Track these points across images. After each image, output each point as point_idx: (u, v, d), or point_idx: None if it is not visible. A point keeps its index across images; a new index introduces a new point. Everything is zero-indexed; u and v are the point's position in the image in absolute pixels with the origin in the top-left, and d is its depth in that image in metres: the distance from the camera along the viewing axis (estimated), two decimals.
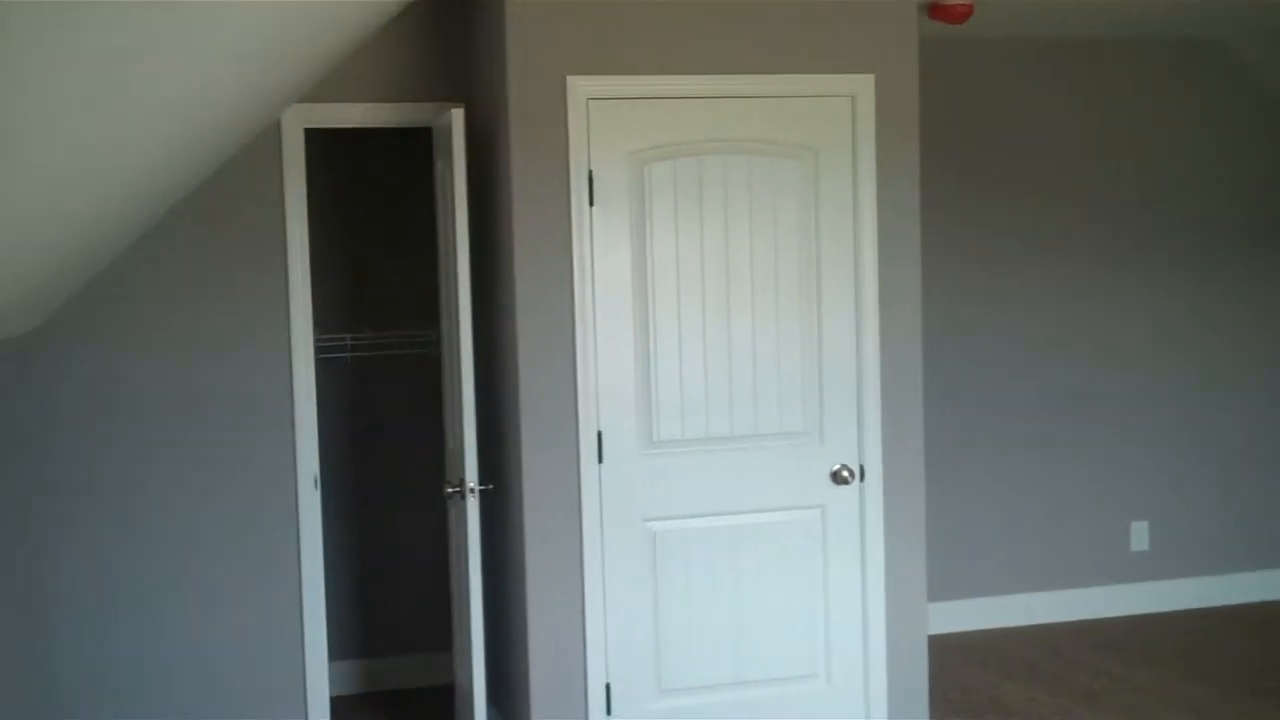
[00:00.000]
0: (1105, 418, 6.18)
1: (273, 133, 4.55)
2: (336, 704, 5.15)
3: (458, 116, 4.16)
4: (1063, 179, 6.08)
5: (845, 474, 4.29)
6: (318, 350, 5.03)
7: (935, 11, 5.09)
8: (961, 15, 5.11)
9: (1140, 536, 6.23)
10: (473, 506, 4.15)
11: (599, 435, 4.15)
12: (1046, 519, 6.13)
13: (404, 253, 5.39)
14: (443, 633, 5.23)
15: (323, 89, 4.59)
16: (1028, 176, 6.05)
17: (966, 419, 6.02)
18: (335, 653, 5.23)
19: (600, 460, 4.16)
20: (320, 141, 5.14)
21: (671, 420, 4.19)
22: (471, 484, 4.15)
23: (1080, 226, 6.10)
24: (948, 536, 5.99)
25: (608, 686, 4.21)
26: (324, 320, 5.26)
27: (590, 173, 4.10)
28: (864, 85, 4.23)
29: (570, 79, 4.06)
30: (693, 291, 4.18)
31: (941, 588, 5.96)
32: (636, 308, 4.15)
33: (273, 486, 4.62)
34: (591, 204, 4.11)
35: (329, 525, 5.19)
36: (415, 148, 5.23)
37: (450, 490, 4.31)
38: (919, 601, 4.43)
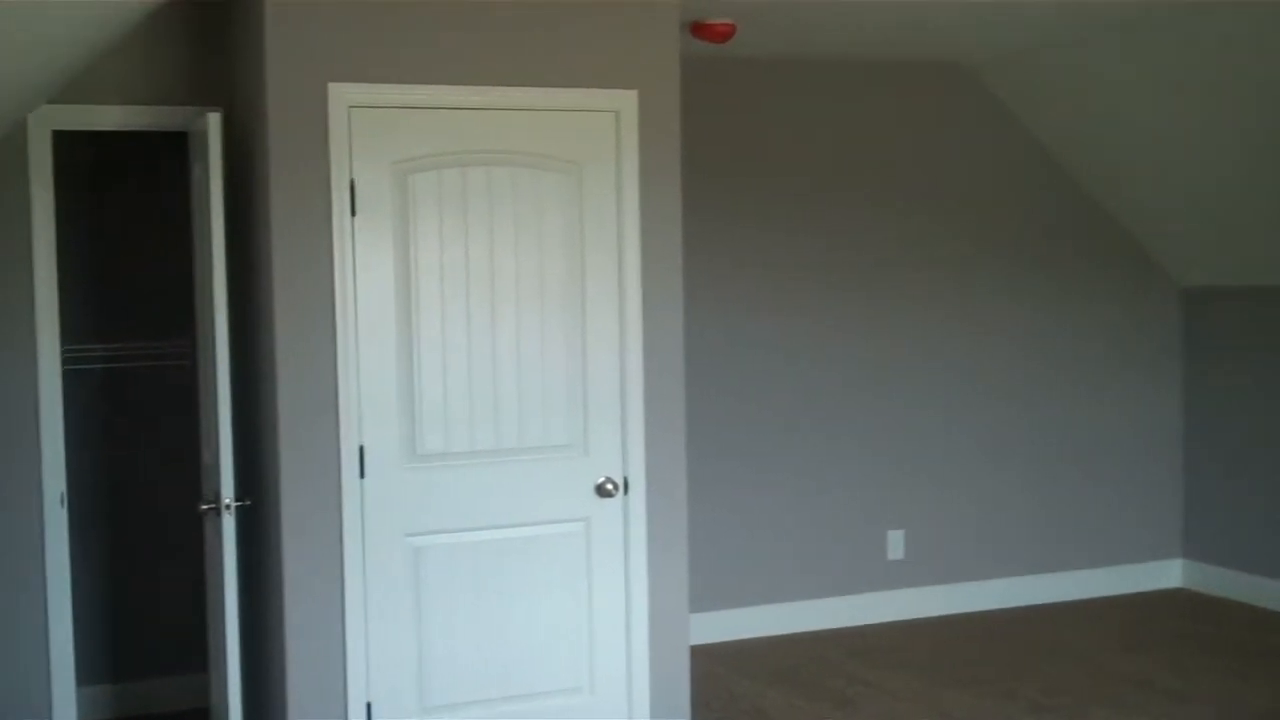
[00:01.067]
0: (863, 429, 6.37)
1: (18, 135, 4.35)
2: None
3: (214, 121, 4.05)
4: (826, 195, 6.26)
5: (609, 486, 4.32)
6: (66, 362, 4.82)
7: (698, 30, 5.19)
8: (723, 35, 5.22)
9: (896, 545, 6.44)
10: (229, 523, 4.03)
11: (360, 449, 4.09)
12: (807, 529, 6.28)
13: (162, 261, 5.21)
14: (199, 654, 5.07)
15: (74, 90, 4.42)
16: (791, 192, 6.20)
17: (729, 431, 6.13)
18: (84, 677, 5.01)
19: (362, 475, 4.09)
20: (78, 145, 4.95)
21: (435, 433, 4.15)
22: (228, 500, 4.04)
23: (840, 241, 6.29)
24: (711, 547, 6.08)
25: (369, 705, 4.14)
26: (75, 330, 5.05)
27: (352, 182, 4.04)
28: (627, 101, 4.27)
29: (332, 86, 3.99)
30: (457, 304, 4.15)
31: (706, 598, 6.05)
32: (400, 320, 4.10)
33: (16, 504, 4.42)
34: (354, 214, 4.05)
35: (78, 544, 4.98)
36: (176, 152, 5.07)
37: (205, 506, 4.19)
38: (681, 612, 4.48)
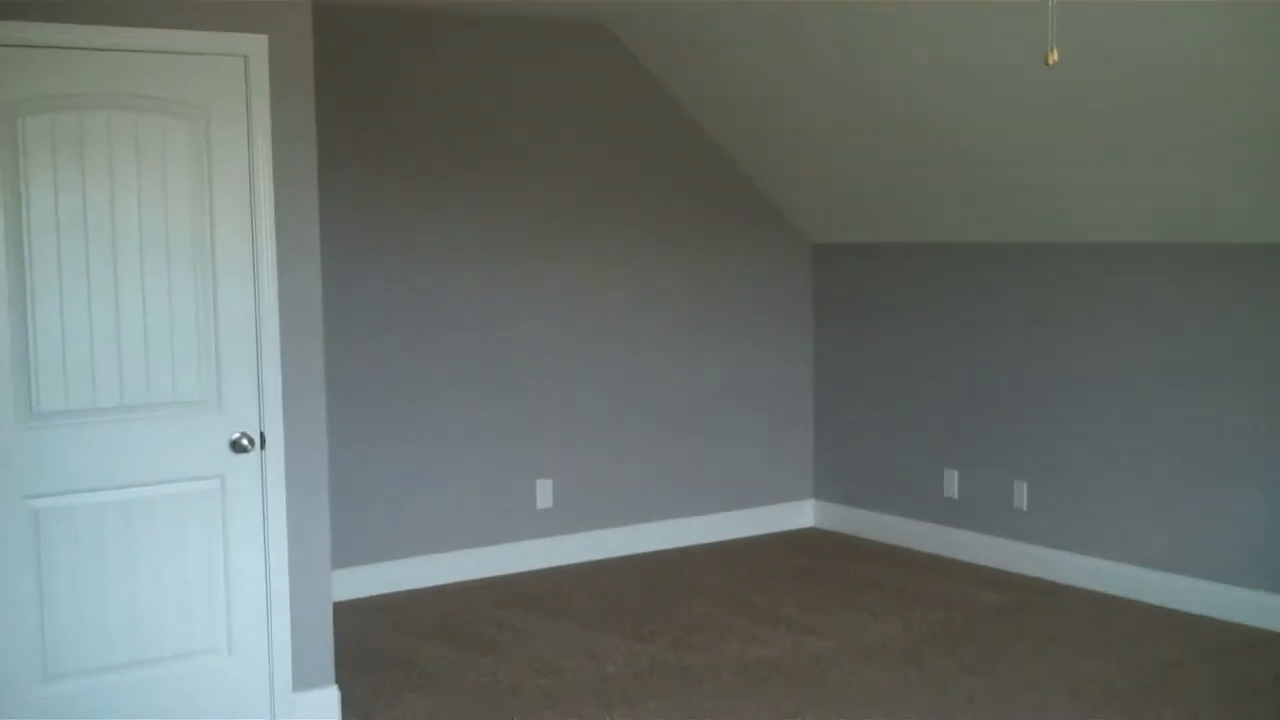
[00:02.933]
0: (510, 380, 6.43)
1: None
2: None
3: None
4: (474, 151, 6.25)
5: (245, 442, 4.21)
6: None
7: None
8: None
9: (545, 494, 6.54)
10: None
11: None
12: (456, 481, 6.30)
13: None
14: None
15: None
16: (440, 147, 6.17)
17: (374, 385, 6.07)
18: None
19: None
20: None
21: (54, 390, 3.94)
22: None
23: (490, 196, 6.30)
24: (359, 502, 6.03)
25: None
26: None
27: None
28: (257, 45, 4.13)
29: None
30: (75, 254, 3.94)
31: (353, 553, 6.00)
32: (11, 271, 3.86)
33: None
34: None
35: None
36: None
37: None
38: (323, 568, 4.43)
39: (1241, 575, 5.58)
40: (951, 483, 6.75)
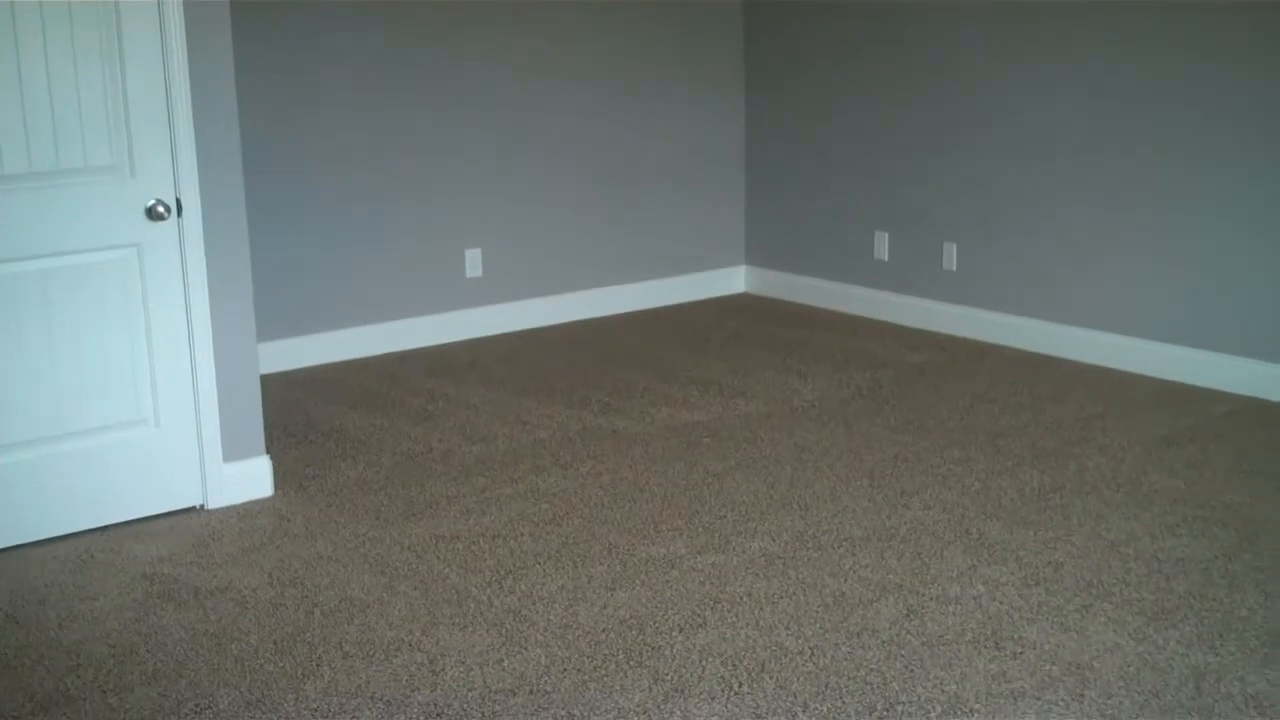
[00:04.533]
0: (437, 148, 6.29)
1: None
2: None
3: None
4: None
5: (160, 209, 4.09)
6: None
7: None
8: None
9: (474, 263, 6.47)
10: None
11: None
12: (384, 251, 6.21)
13: None
14: None
15: None
16: None
17: (298, 150, 5.92)
18: None
19: None
20: None
21: None
22: None
23: None
24: (285, 272, 5.93)
25: None
26: None
27: None
28: None
29: None
30: None
31: (280, 325, 5.93)
32: None
33: None
34: None
35: None
36: None
37: None
38: (248, 339, 4.37)
39: (1164, 331, 5.66)
40: (882, 245, 6.75)
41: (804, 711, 3.08)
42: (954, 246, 6.40)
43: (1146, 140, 5.60)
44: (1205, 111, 5.39)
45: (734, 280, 7.45)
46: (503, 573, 3.85)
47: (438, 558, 3.96)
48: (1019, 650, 3.35)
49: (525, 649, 3.38)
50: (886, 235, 6.72)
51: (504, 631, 3.48)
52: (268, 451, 4.55)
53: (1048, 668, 3.26)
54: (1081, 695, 3.13)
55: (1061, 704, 3.09)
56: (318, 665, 3.33)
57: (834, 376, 5.79)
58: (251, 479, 4.44)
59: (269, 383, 5.45)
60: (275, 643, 3.46)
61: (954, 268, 6.42)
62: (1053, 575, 3.78)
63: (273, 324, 5.86)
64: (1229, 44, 5.27)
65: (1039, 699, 3.12)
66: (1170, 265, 5.60)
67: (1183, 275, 5.57)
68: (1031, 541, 4.01)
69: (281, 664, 3.35)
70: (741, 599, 3.65)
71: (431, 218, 6.32)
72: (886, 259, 6.73)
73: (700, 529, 4.14)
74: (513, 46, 6.43)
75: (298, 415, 5.33)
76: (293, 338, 5.99)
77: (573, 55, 6.64)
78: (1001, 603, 3.61)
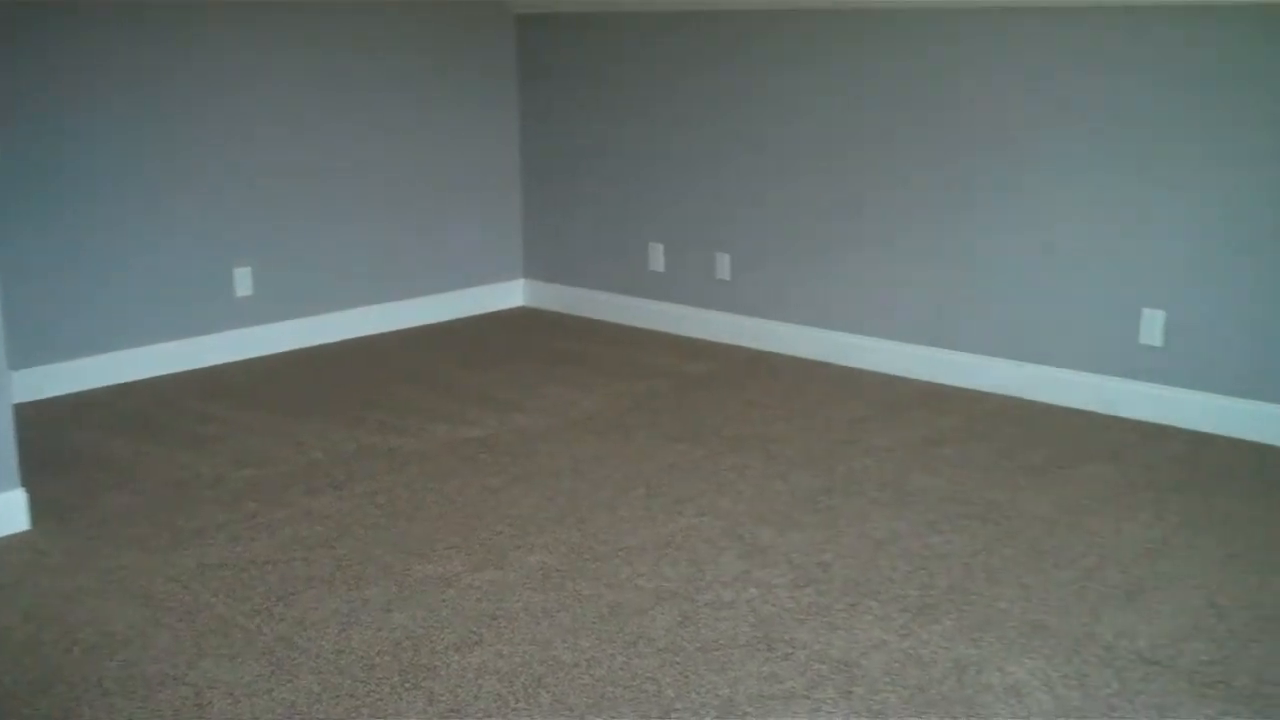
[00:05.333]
0: (207, 164, 6.12)
1: None
2: None
3: None
4: None
5: None
6: None
7: None
8: None
9: (244, 282, 6.32)
10: None
11: None
12: (147, 269, 6.02)
13: None
14: None
15: None
16: None
17: (48, 166, 5.68)
18: None
19: None
20: None
21: None
22: None
23: None
24: (38, 296, 5.70)
25: None
26: None
27: None
28: None
29: None
30: None
31: (34, 352, 5.69)
32: None
33: None
34: None
35: None
36: None
37: None
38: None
39: (926, 335, 5.86)
40: (657, 256, 6.82)
41: None
42: (727, 257, 6.51)
43: (906, 149, 5.78)
44: (957, 122, 5.60)
45: (512, 294, 7.44)
46: (273, 599, 3.75)
47: (205, 587, 3.84)
48: (790, 651, 3.41)
49: (296, 677, 3.31)
50: (661, 247, 6.79)
51: (274, 660, 3.40)
52: (24, 484, 4.35)
53: (817, 667, 3.33)
54: (849, 692, 3.20)
55: (830, 702, 3.16)
56: (77, 704, 3.20)
57: (612, 388, 5.82)
58: (5, 514, 4.24)
59: (24, 411, 5.22)
60: (30, 683, 3.31)
61: (728, 277, 6.53)
62: (822, 576, 3.87)
63: (25, 351, 5.62)
64: (977, 47, 5.49)
65: (809, 698, 3.18)
66: (931, 272, 5.80)
67: (941, 281, 5.77)
68: (802, 544, 4.10)
69: (38, 706, 3.20)
70: (518, 614, 3.64)
71: (198, 235, 6.15)
72: (662, 270, 6.81)
73: (477, 545, 4.11)
74: (283, 55, 6.30)
75: (61, 445, 5.12)
76: (49, 364, 5.75)
77: (343, 68, 6.54)
78: (773, 605, 3.68)
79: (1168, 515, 4.31)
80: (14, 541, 4.19)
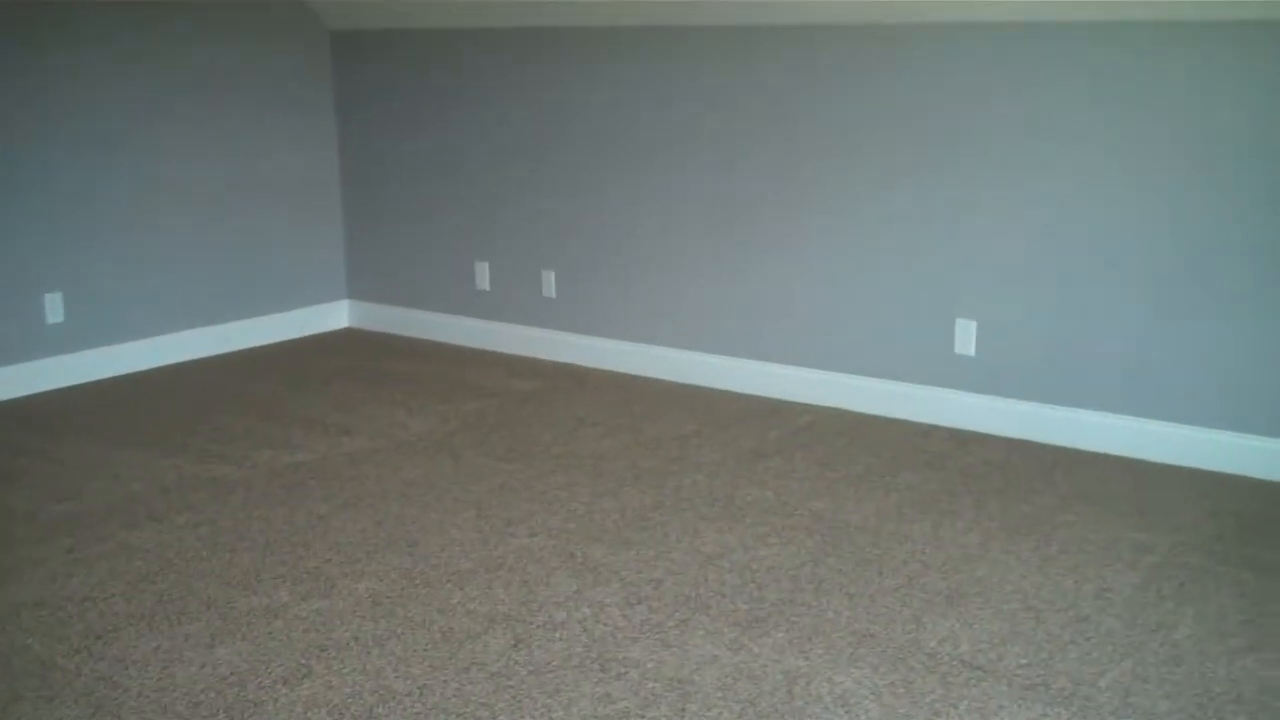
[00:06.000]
0: (16, 188, 5.91)
1: None
2: None
3: None
4: None
5: None
6: None
7: None
8: None
9: (55, 308, 6.11)
10: None
11: None
12: None
13: None
14: None
15: None
16: None
17: None
18: None
19: None
20: None
21: None
22: None
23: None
24: None
25: None
26: None
27: None
28: None
29: None
30: None
31: None
32: None
33: None
34: None
35: None
36: None
37: None
38: None
39: (749, 348, 5.95)
40: (483, 275, 6.80)
41: None
42: (552, 274, 6.53)
43: (726, 163, 5.87)
44: (787, 132, 5.70)
45: (337, 315, 7.34)
46: (92, 638, 3.64)
47: (19, 628, 3.71)
48: (623, 670, 3.43)
49: (118, 717, 3.21)
50: (487, 265, 6.78)
51: (94, 701, 3.29)
52: None
53: (650, 685, 3.35)
54: (683, 710, 3.23)
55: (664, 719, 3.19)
56: None
57: (440, 408, 5.78)
58: None
59: None
60: None
61: (553, 295, 6.54)
62: (654, 593, 3.90)
63: None
64: (791, 60, 5.61)
65: (643, 717, 3.20)
66: (749, 285, 5.89)
67: (762, 295, 5.87)
68: (633, 561, 4.12)
69: None
70: (348, 644, 3.59)
71: (3, 260, 5.92)
72: (488, 288, 6.79)
73: (304, 574, 4.05)
74: (91, 66, 6.11)
75: None
76: None
77: (156, 85, 6.37)
78: (606, 624, 3.69)
79: (984, 520, 4.45)
80: None
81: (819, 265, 5.70)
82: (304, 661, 3.49)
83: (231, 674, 3.43)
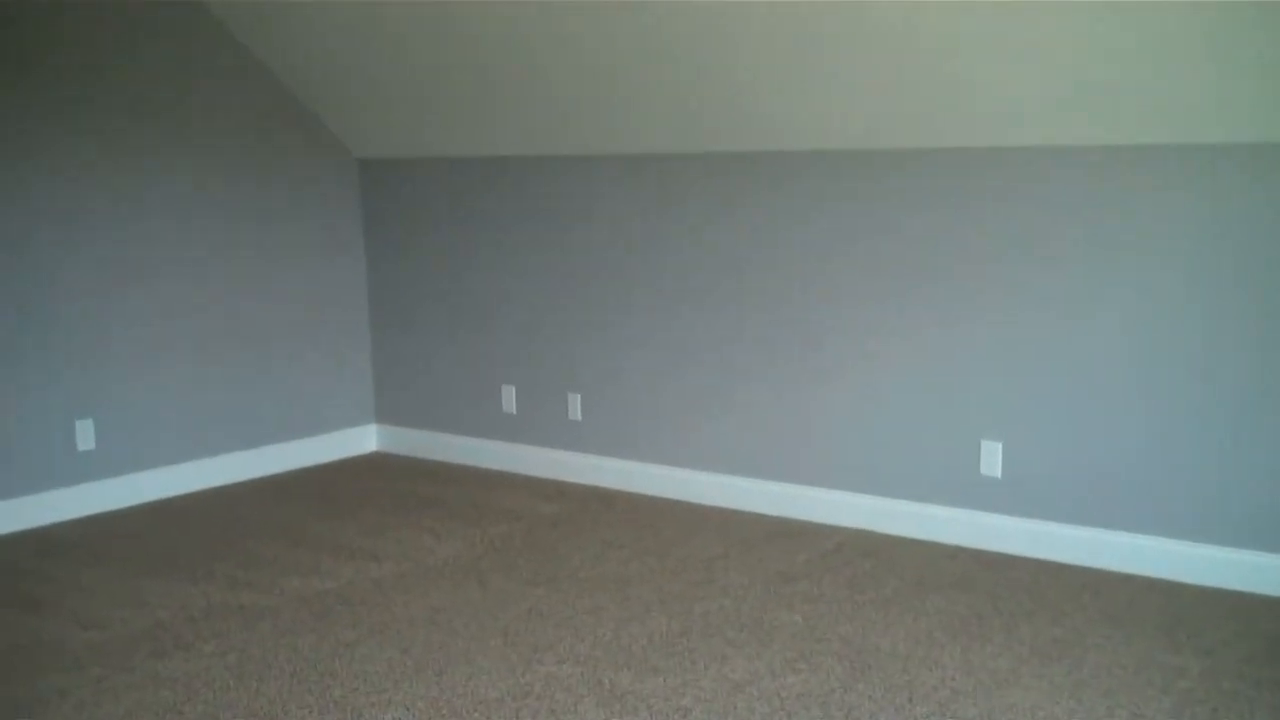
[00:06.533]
0: (48, 314, 6.00)
1: None
2: None
3: None
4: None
5: None
6: None
7: None
8: None
9: (86, 435, 6.17)
10: None
11: None
12: None
13: None
14: None
15: None
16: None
17: None
18: None
19: None
20: None
21: None
22: None
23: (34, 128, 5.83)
24: None
25: None
26: None
27: None
28: None
29: None
30: None
31: None
32: None
33: None
34: None
35: None
36: None
37: None
38: None
39: (772, 470, 5.96)
40: (509, 398, 6.85)
41: None
42: (578, 397, 6.57)
43: (749, 288, 5.93)
44: (808, 256, 5.76)
45: (365, 439, 7.39)
46: None
47: None
48: None
49: None
50: (513, 388, 6.83)
51: None
52: None
53: None
54: None
55: None
56: None
57: (467, 533, 5.79)
58: None
59: None
60: None
61: (579, 417, 6.58)
62: None
63: None
64: (810, 189, 5.69)
65: None
66: (775, 407, 5.91)
67: (787, 416, 5.89)
68: (661, 689, 4.10)
69: None
70: None
71: (36, 387, 6.00)
72: (514, 411, 6.83)
73: (331, 704, 4.03)
74: (123, 216, 6.24)
75: None
76: None
77: (185, 210, 6.50)
78: None
79: (1015, 645, 4.41)
80: None
81: (843, 387, 5.73)
82: None
83: None
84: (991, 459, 5.37)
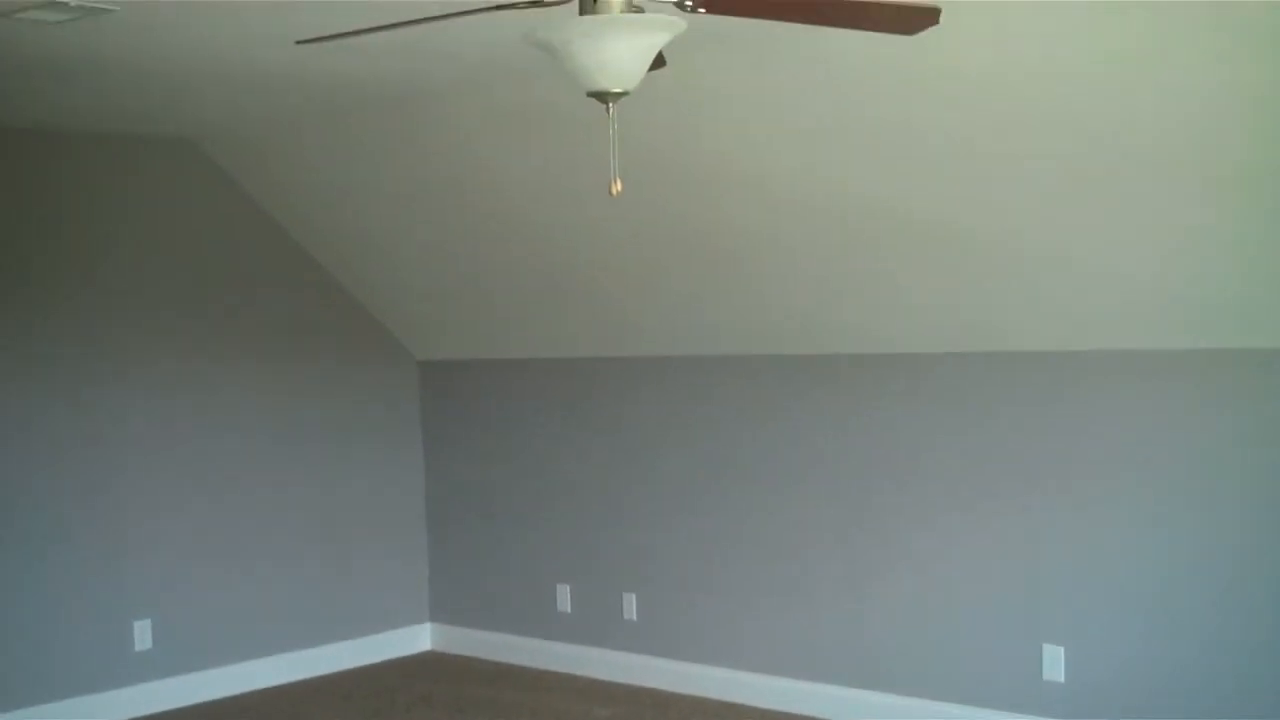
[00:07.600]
0: (103, 515, 6.08)
1: None
2: None
3: None
4: (69, 268, 5.96)
5: None
6: None
7: None
8: None
9: (144, 635, 6.20)
10: None
11: None
12: (39, 624, 5.87)
13: None
14: None
15: None
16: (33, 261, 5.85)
17: None
18: None
19: None
20: None
21: None
22: None
23: (66, 322, 6.01)
24: None
25: None
26: None
27: None
28: None
29: None
30: None
31: None
32: None
33: None
34: None
35: None
36: None
37: None
38: None
39: (841, 675, 5.86)
40: (564, 597, 6.82)
41: None
42: (633, 596, 6.53)
43: (807, 490, 5.92)
44: (863, 459, 5.77)
45: (419, 638, 7.35)
46: None
47: None
48: None
49: None
50: (568, 588, 6.80)
51: None
52: None
53: None
54: None
55: None
56: None
57: None
58: None
59: None
60: None
61: (634, 617, 6.53)
62: None
63: None
64: (875, 390, 5.72)
65: None
66: (836, 610, 5.85)
67: (848, 620, 5.82)
68: None
69: None
70: None
71: (91, 585, 6.04)
72: (569, 611, 6.80)
73: None
74: (182, 412, 6.37)
75: None
76: None
77: (246, 413, 6.62)
78: None
79: None
80: None
81: (901, 590, 5.67)
82: None
83: None
84: (1054, 663, 5.26)
